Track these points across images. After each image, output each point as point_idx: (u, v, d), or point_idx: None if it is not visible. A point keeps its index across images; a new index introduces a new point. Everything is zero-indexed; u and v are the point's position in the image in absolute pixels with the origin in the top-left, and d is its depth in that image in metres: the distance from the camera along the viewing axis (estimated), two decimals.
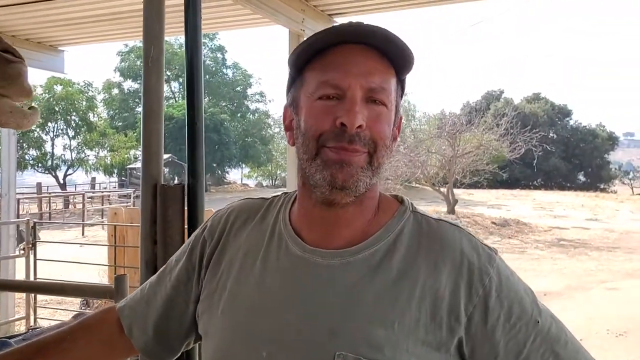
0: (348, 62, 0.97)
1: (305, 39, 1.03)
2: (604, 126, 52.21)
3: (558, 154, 45.55)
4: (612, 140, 51.33)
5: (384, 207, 1.07)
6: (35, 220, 7.21)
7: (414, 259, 0.99)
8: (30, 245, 6.50)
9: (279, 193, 1.19)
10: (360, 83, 0.96)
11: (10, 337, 1.35)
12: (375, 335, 0.93)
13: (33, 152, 34.23)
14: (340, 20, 5.10)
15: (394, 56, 0.99)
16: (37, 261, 6.68)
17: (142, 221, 2.03)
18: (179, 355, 1.24)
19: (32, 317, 6.57)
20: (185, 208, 2.05)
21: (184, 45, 2.08)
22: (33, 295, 6.55)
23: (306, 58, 1.01)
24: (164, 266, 1.23)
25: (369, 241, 1.01)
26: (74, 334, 1.17)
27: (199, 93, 2.05)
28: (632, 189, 47.86)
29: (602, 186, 48.30)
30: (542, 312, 1.00)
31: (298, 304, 0.98)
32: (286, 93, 1.08)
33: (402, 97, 1.06)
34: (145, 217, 2.02)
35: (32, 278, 6.48)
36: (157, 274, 1.24)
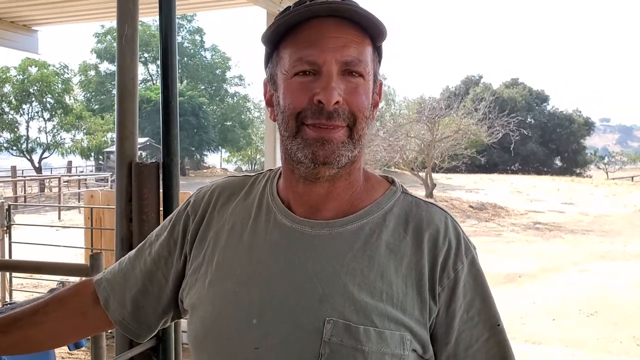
0: (322, 37, 0.96)
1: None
2: (580, 112, 52.92)
3: (535, 138, 46.03)
4: (588, 126, 52.00)
5: (373, 184, 1.08)
6: (10, 203, 7.13)
7: (402, 236, 1.01)
8: (5, 228, 6.43)
9: (263, 170, 1.20)
10: (336, 57, 0.96)
11: None
12: (363, 303, 0.95)
13: (7, 134, 33.68)
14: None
15: (366, 26, 0.99)
16: (13, 244, 6.62)
17: (117, 199, 2.04)
18: (154, 334, 1.25)
19: (7, 299, 6.51)
20: (161, 186, 2.06)
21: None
22: (9, 277, 6.50)
23: (280, 34, 1.00)
24: (144, 241, 1.22)
25: (359, 214, 1.03)
26: (47, 307, 1.18)
27: (173, 72, 2.05)
28: (607, 173, 48.62)
29: (577, 171, 49.00)
30: (503, 324, 1.05)
31: (288, 274, 0.99)
32: (264, 68, 1.08)
33: (380, 63, 1.06)
34: (121, 195, 2.03)
35: None
36: (136, 248, 1.23)
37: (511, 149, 30.27)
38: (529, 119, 47.13)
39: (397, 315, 0.96)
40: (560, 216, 19.71)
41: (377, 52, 1.04)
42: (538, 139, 47.31)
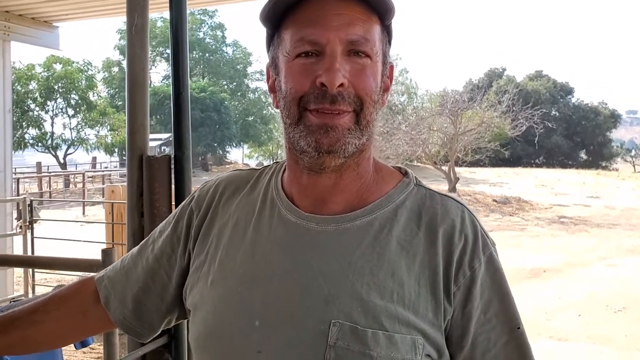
0: (325, 14, 0.89)
1: None
2: (606, 104, 52.16)
3: (560, 131, 45.47)
4: (614, 118, 51.21)
5: (384, 176, 1.01)
6: (32, 198, 7.19)
7: (414, 232, 0.94)
8: (28, 224, 6.48)
9: (270, 163, 1.13)
10: (340, 36, 0.88)
11: None
12: (372, 304, 0.88)
13: (33, 131, 34.10)
14: None
15: (374, 3, 0.91)
16: (36, 240, 6.67)
17: (128, 194, 2.00)
18: (157, 333, 1.18)
19: (30, 295, 6.57)
20: (173, 180, 2.02)
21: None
22: (31, 272, 6.55)
23: (279, 13, 0.93)
24: (147, 237, 1.17)
25: (368, 208, 0.96)
26: (47, 305, 1.13)
27: (184, 65, 2.01)
28: (634, 166, 47.76)
29: (603, 164, 48.29)
30: (523, 327, 0.96)
31: (292, 272, 0.93)
32: (266, 51, 1.01)
33: (389, 44, 0.98)
34: (132, 190, 1.99)
35: None
36: (139, 245, 1.18)
37: (535, 142, 29.90)
38: (553, 112, 46.57)
39: (409, 317, 0.88)
40: (586, 210, 19.39)
41: (387, 31, 0.96)
42: (563, 132, 46.73)
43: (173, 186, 2.04)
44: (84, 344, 2.07)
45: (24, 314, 1.13)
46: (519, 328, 0.95)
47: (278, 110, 0.98)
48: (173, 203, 2.04)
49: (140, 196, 1.98)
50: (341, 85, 0.88)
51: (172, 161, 2.02)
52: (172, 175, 2.02)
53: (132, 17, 1.95)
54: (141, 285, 1.11)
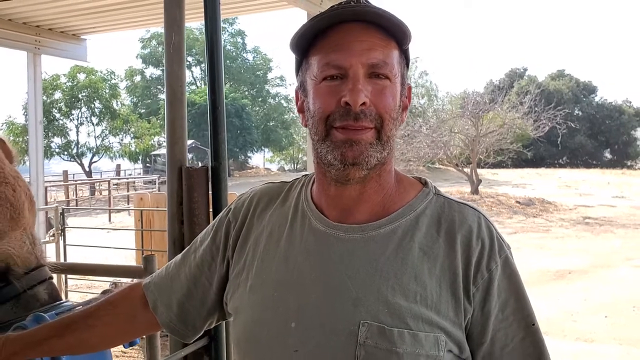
0: (348, 42, 1.00)
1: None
2: (630, 102, 51.44)
3: (583, 131, 45.00)
4: (639, 117, 50.40)
5: (406, 186, 1.10)
6: (63, 207, 7.37)
7: (434, 238, 1.03)
8: (60, 231, 6.65)
9: (299, 176, 1.24)
10: (362, 61, 0.99)
11: (45, 311, 1.43)
12: (397, 305, 0.97)
13: (58, 140, 34.64)
14: None
15: (392, 30, 1.02)
16: (67, 247, 6.83)
17: (168, 202, 2.10)
18: (200, 334, 1.29)
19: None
20: (210, 189, 2.11)
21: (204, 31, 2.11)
22: (64, 278, 6.71)
23: (308, 41, 1.04)
24: (189, 246, 1.28)
25: (391, 217, 1.05)
26: (99, 310, 1.25)
27: (219, 77, 2.10)
28: None
29: (629, 163, 47.64)
30: (538, 324, 1.05)
31: (323, 278, 1.02)
32: (295, 76, 1.12)
33: (407, 66, 1.09)
34: (172, 199, 2.09)
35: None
36: (182, 253, 1.29)
37: (558, 142, 29.65)
38: (576, 111, 46.12)
39: (431, 316, 0.98)
40: (611, 210, 19.16)
41: (405, 55, 1.07)
42: (586, 132, 46.22)
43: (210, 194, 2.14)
44: (131, 344, 2.15)
45: (79, 318, 1.24)
46: (534, 324, 1.04)
47: (299, 115, 1.10)
48: (210, 210, 2.13)
49: (180, 205, 2.08)
50: (363, 104, 0.99)
51: (210, 171, 2.11)
52: (209, 185, 2.12)
53: (169, 36, 2.05)
54: (184, 291, 1.22)
